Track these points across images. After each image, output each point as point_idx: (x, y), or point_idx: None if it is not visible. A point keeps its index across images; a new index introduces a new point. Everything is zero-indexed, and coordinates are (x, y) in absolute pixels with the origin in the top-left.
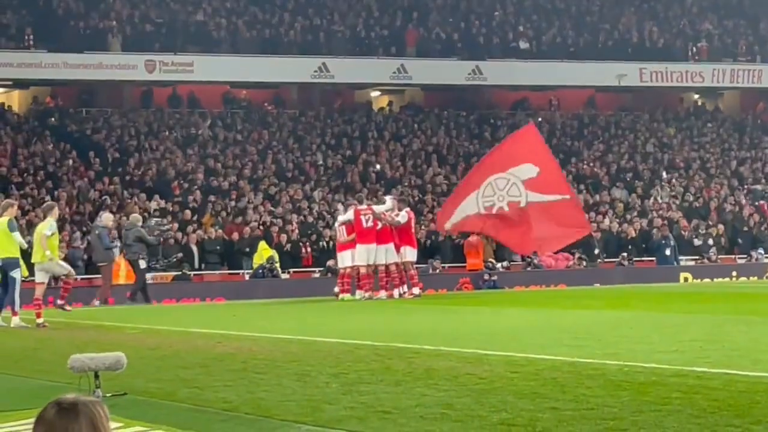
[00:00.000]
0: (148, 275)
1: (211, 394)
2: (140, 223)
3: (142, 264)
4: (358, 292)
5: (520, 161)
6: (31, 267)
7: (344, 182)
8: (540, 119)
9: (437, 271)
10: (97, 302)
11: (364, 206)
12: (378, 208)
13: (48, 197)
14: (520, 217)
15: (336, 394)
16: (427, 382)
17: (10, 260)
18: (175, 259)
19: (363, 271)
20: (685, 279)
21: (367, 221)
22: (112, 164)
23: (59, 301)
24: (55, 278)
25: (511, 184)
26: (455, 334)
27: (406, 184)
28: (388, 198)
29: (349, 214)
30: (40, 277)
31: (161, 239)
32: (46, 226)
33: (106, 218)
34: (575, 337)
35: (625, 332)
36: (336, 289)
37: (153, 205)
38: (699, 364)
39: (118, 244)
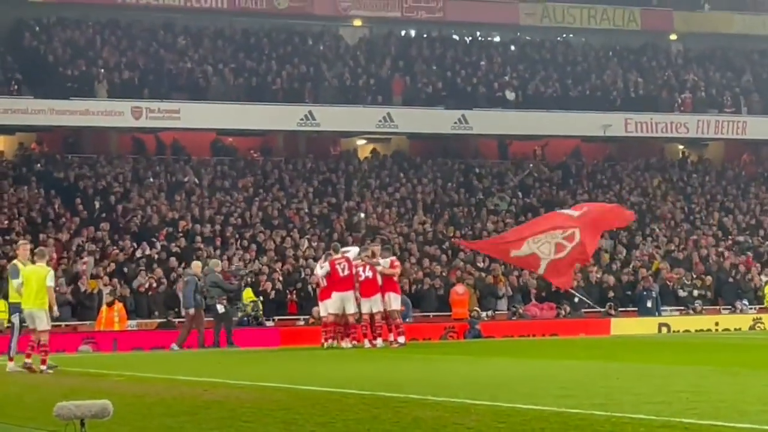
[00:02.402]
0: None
1: None
2: (218, 269)
3: (220, 308)
4: (328, 341)
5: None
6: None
7: (330, 230)
8: (528, 169)
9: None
10: (175, 346)
11: (338, 255)
12: (350, 255)
13: (32, 243)
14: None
15: None
16: (414, 431)
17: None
18: (250, 306)
19: (331, 319)
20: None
21: (342, 270)
22: (98, 210)
23: (42, 366)
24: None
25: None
26: (442, 383)
27: (391, 232)
28: (351, 248)
29: (327, 267)
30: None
31: (240, 285)
32: (49, 276)
33: (195, 266)
34: (562, 387)
35: (612, 383)
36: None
37: (138, 252)
38: (686, 415)
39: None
